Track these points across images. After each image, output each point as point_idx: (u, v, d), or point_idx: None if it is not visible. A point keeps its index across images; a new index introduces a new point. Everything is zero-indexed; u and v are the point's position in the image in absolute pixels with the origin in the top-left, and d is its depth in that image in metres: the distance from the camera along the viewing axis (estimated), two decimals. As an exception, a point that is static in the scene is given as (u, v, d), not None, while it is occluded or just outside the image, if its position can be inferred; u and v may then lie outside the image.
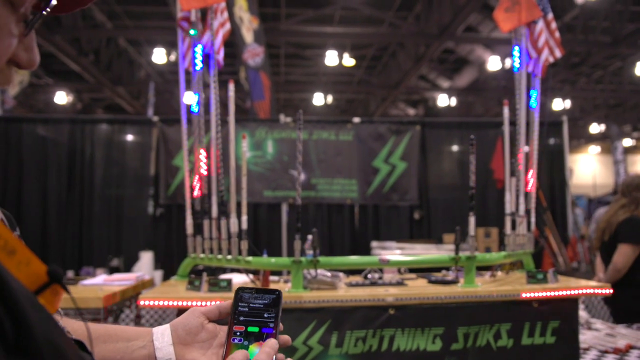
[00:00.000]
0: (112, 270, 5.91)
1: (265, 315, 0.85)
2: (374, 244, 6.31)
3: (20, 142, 6.68)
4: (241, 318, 0.85)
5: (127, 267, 6.17)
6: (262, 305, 0.86)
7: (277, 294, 0.88)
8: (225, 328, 0.86)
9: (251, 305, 0.86)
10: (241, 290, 0.88)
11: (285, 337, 0.86)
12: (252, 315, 0.85)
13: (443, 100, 14.68)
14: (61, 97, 13.69)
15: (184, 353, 0.87)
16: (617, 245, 3.68)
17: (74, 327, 0.84)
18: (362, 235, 6.96)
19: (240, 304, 0.86)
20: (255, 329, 0.84)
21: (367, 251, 6.41)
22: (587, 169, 19.96)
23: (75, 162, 6.75)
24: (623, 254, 3.63)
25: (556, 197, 7.05)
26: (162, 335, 0.88)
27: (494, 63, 11.64)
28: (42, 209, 6.63)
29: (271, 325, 0.84)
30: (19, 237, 0.70)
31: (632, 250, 3.62)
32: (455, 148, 7.28)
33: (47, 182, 6.68)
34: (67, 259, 6.53)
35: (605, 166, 20.38)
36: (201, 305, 0.92)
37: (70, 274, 5.89)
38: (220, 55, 3.30)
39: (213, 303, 0.93)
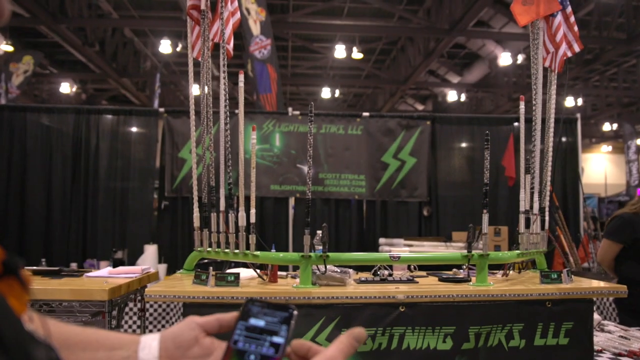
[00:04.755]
0: (116, 263, 5.84)
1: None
2: (382, 240, 6.22)
3: (24, 131, 6.61)
4: (244, 335, 0.73)
5: (131, 260, 6.10)
6: (270, 324, 0.75)
7: (290, 312, 0.76)
8: (224, 345, 0.74)
9: (258, 321, 0.75)
10: (250, 302, 0.77)
11: None
12: (257, 333, 0.74)
13: (452, 96, 14.56)
14: (66, 87, 13.64)
15: None
16: None
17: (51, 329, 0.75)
18: (370, 231, 6.88)
19: (245, 318, 0.75)
20: None
21: (374, 248, 6.33)
22: (599, 168, 19.84)
23: (80, 152, 6.68)
24: (601, 247, 3.86)
25: (568, 196, 6.93)
26: (148, 346, 0.78)
27: (505, 59, 11.51)
28: (45, 200, 6.56)
29: (278, 348, 0.72)
30: None
31: (608, 245, 3.81)
32: (465, 144, 7.16)
33: (52, 172, 6.61)
34: (70, 251, 6.48)
35: (617, 165, 20.19)
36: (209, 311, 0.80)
37: (73, 266, 5.85)
38: (231, 45, 3.22)
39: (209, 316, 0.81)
